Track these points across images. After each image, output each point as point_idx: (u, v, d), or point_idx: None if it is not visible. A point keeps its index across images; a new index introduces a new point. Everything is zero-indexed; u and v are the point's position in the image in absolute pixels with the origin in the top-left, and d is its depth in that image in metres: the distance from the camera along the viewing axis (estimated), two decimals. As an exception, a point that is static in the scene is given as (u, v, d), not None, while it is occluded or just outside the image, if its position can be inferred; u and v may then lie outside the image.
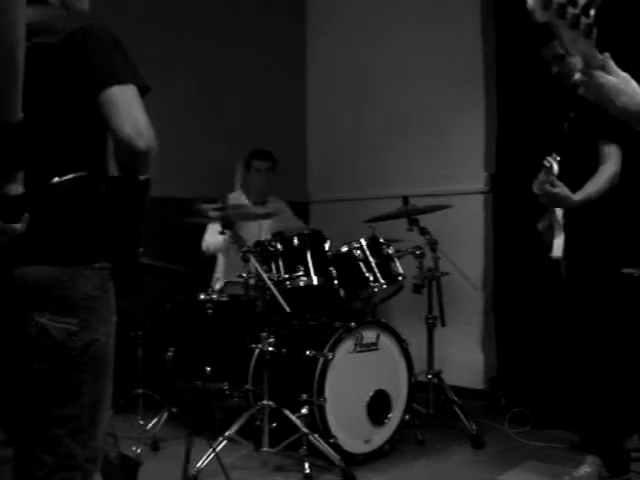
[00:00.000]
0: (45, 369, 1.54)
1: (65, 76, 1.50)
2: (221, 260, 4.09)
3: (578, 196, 2.55)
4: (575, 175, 2.62)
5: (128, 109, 1.47)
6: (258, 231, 4.03)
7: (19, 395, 1.63)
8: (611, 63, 1.25)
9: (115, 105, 1.47)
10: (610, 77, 1.24)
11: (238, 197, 4.07)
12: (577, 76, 1.27)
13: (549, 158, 2.54)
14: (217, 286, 3.99)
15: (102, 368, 1.60)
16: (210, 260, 4.10)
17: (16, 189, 1.34)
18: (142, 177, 1.53)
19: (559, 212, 2.77)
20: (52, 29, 1.51)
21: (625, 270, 2.58)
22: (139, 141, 1.46)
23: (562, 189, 2.51)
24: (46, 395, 1.55)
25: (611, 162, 2.62)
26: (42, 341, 1.52)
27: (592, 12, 1.16)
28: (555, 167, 2.51)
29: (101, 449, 1.64)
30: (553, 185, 2.49)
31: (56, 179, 1.47)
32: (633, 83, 1.27)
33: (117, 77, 1.48)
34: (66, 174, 1.52)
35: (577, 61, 1.27)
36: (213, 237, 3.91)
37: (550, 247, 2.77)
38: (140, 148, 1.46)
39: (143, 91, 1.54)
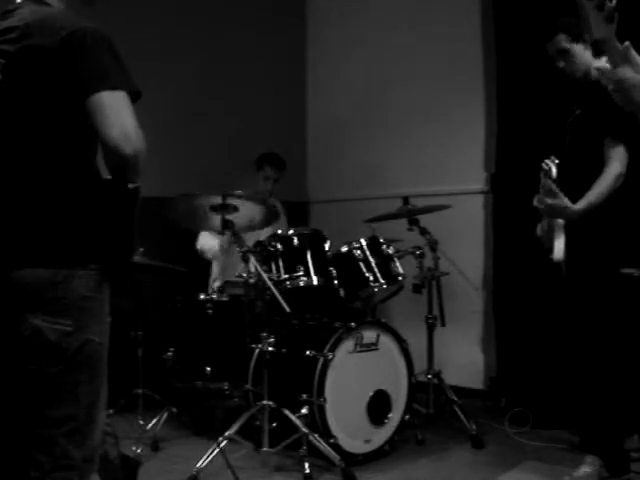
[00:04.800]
0: (40, 370, 1.53)
1: (57, 78, 1.49)
2: (215, 264, 4.09)
3: (578, 205, 2.52)
4: (578, 174, 2.61)
5: (116, 114, 1.47)
6: (258, 232, 4.02)
7: (15, 396, 1.63)
8: (633, 53, 1.25)
9: (103, 110, 1.46)
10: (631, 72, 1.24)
11: None
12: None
13: (547, 161, 2.54)
14: (215, 285, 3.98)
15: (97, 368, 1.60)
16: (208, 261, 4.09)
17: None
18: (132, 185, 1.52)
19: None
20: (49, 30, 1.51)
21: (625, 270, 2.57)
22: (126, 146, 1.45)
23: (561, 199, 2.50)
24: (41, 396, 1.54)
25: (615, 163, 2.56)
26: (36, 342, 1.52)
27: None
28: (554, 170, 2.51)
29: (98, 448, 1.63)
30: (553, 195, 2.50)
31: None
32: None
33: (107, 82, 1.48)
34: (56, 176, 1.53)
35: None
36: (208, 240, 3.92)
37: (551, 250, 2.77)
38: (127, 153, 1.46)
39: (135, 96, 1.53)
